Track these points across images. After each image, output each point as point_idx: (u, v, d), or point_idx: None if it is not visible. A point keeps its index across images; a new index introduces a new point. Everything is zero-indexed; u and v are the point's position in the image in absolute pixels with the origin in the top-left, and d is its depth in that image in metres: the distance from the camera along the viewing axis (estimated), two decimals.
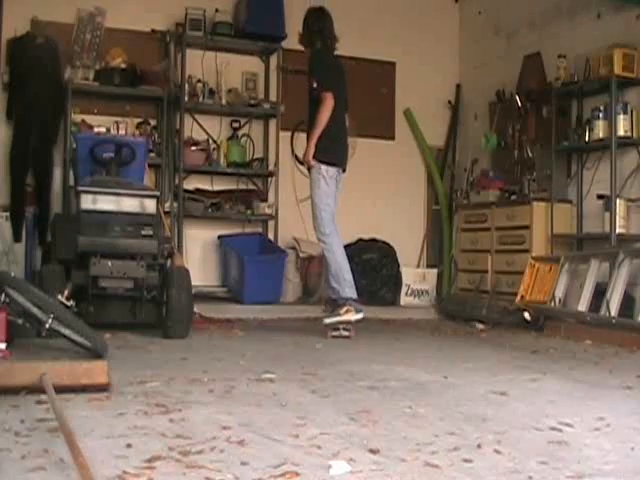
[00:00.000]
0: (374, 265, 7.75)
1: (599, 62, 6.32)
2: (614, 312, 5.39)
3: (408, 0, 8.45)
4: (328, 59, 5.67)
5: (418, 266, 8.30)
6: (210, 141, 7.61)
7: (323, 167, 5.42)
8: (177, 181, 7.34)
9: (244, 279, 6.99)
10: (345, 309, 5.35)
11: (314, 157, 5.40)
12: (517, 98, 7.30)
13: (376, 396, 3.22)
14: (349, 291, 5.43)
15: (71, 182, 6.49)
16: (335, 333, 5.32)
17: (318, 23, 5.63)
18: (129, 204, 5.07)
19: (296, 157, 7.24)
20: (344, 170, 5.62)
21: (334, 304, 5.48)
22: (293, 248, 7.55)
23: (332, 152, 5.48)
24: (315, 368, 3.88)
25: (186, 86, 7.30)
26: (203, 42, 7.38)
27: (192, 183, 7.50)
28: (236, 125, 7.67)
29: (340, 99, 5.50)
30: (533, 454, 2.29)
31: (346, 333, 5.33)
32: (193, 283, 5.33)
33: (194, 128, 7.60)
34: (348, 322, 5.34)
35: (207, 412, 2.76)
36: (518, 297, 6.37)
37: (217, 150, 7.59)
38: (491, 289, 7.09)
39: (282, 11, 7.53)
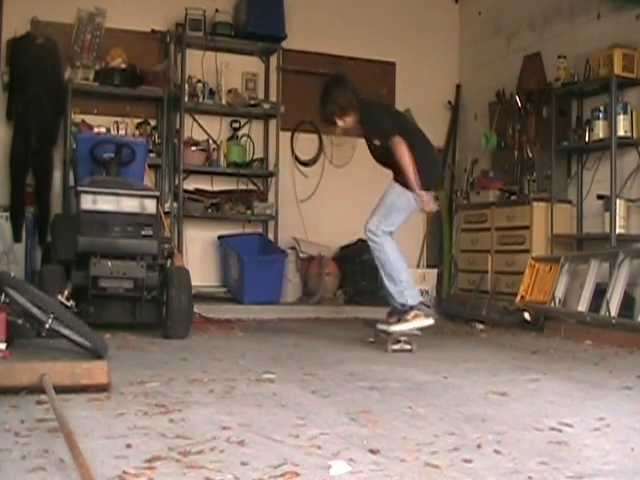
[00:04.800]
0: (374, 265, 7.71)
1: (599, 62, 6.32)
2: (614, 312, 5.39)
3: (408, 0, 8.45)
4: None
5: (418, 266, 8.28)
6: (210, 141, 7.61)
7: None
8: (177, 181, 7.33)
9: (244, 279, 6.98)
10: (413, 314, 4.81)
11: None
12: (517, 98, 7.30)
13: (376, 396, 3.21)
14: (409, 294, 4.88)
15: (71, 182, 6.48)
16: (396, 347, 4.73)
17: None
18: (129, 204, 5.07)
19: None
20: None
21: (398, 312, 4.91)
22: (293, 248, 7.55)
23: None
24: (315, 368, 3.88)
25: (186, 86, 7.30)
26: (203, 42, 7.37)
27: (192, 183, 7.49)
28: (236, 125, 7.67)
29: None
30: (533, 454, 2.29)
31: (408, 347, 4.74)
32: (193, 283, 5.33)
33: (194, 128, 7.59)
34: (417, 329, 4.81)
35: (207, 412, 2.76)
36: (518, 297, 6.36)
37: (217, 150, 7.59)
38: (491, 289, 7.09)
39: (282, 11, 7.53)
